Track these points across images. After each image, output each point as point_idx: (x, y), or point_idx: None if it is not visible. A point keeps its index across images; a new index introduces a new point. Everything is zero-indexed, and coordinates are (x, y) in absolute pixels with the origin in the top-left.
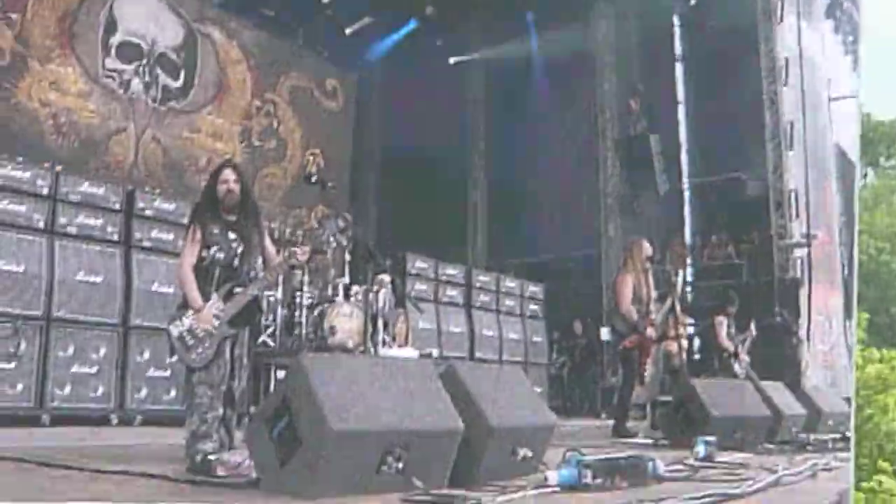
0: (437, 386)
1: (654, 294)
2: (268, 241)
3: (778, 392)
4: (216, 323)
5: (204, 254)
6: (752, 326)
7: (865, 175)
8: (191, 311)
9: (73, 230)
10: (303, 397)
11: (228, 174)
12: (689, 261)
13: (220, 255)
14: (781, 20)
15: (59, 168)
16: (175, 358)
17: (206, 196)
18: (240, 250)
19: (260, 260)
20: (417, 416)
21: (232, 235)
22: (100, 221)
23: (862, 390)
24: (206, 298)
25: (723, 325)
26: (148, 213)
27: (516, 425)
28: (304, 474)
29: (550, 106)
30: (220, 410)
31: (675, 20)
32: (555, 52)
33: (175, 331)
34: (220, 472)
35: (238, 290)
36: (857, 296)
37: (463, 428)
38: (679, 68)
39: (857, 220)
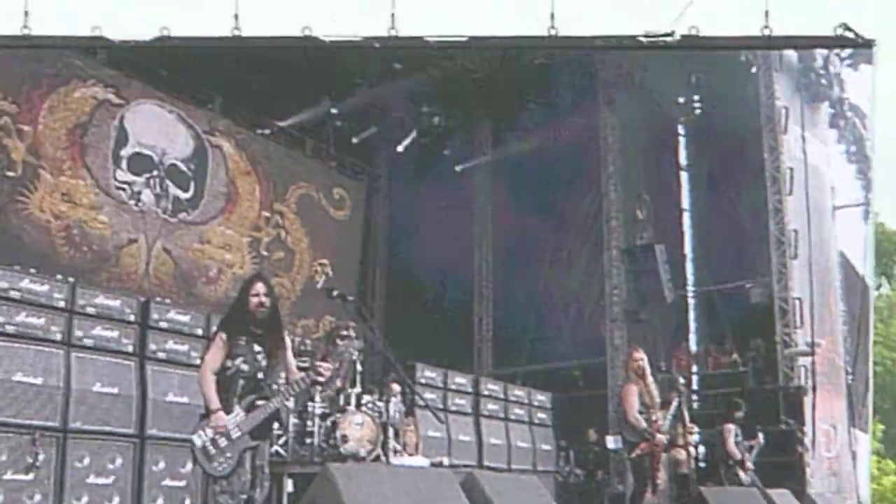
0: (458, 493)
1: (657, 400)
2: (290, 355)
3: (785, 499)
4: (237, 434)
5: (228, 364)
6: (760, 436)
7: (879, 286)
8: (213, 421)
9: (89, 342)
10: None
11: (260, 287)
12: (694, 369)
13: (245, 367)
14: (786, 131)
15: (71, 280)
16: (195, 467)
17: (236, 307)
18: (264, 363)
19: (283, 374)
20: None
21: (257, 348)
22: (115, 333)
23: (878, 502)
24: (228, 408)
25: (731, 432)
26: (162, 324)
27: None
28: None
29: (555, 215)
30: None
31: (680, 129)
32: (560, 162)
33: (198, 441)
34: None
35: (260, 402)
36: (872, 407)
37: None
38: (684, 176)
39: (871, 330)
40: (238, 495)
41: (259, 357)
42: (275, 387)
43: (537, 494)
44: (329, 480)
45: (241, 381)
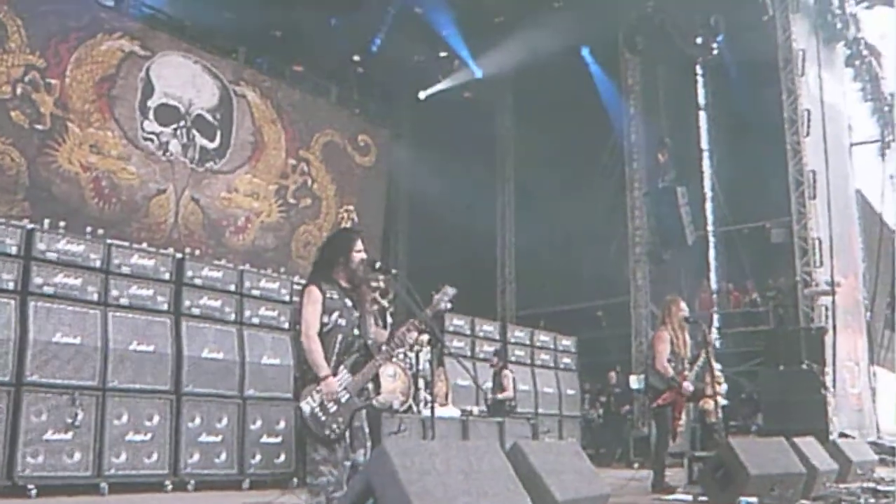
0: (506, 465)
1: (688, 354)
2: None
3: (811, 448)
4: (346, 397)
5: (325, 319)
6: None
7: None
8: (323, 388)
9: (125, 301)
10: (387, 482)
11: (361, 244)
12: (715, 308)
13: (342, 322)
14: (803, 73)
15: (101, 233)
16: (302, 431)
17: (330, 261)
18: (356, 318)
19: (372, 329)
20: (491, 495)
21: (349, 302)
22: (150, 292)
23: None
24: (330, 366)
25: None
26: (196, 281)
27: (576, 498)
28: None
29: (579, 157)
30: (345, 487)
31: (698, 70)
32: (583, 104)
33: (307, 407)
34: None
35: (362, 360)
36: None
37: None
38: (703, 117)
39: (895, 265)
40: (341, 463)
41: (353, 312)
42: (369, 342)
43: (578, 459)
44: (385, 457)
45: (340, 336)
